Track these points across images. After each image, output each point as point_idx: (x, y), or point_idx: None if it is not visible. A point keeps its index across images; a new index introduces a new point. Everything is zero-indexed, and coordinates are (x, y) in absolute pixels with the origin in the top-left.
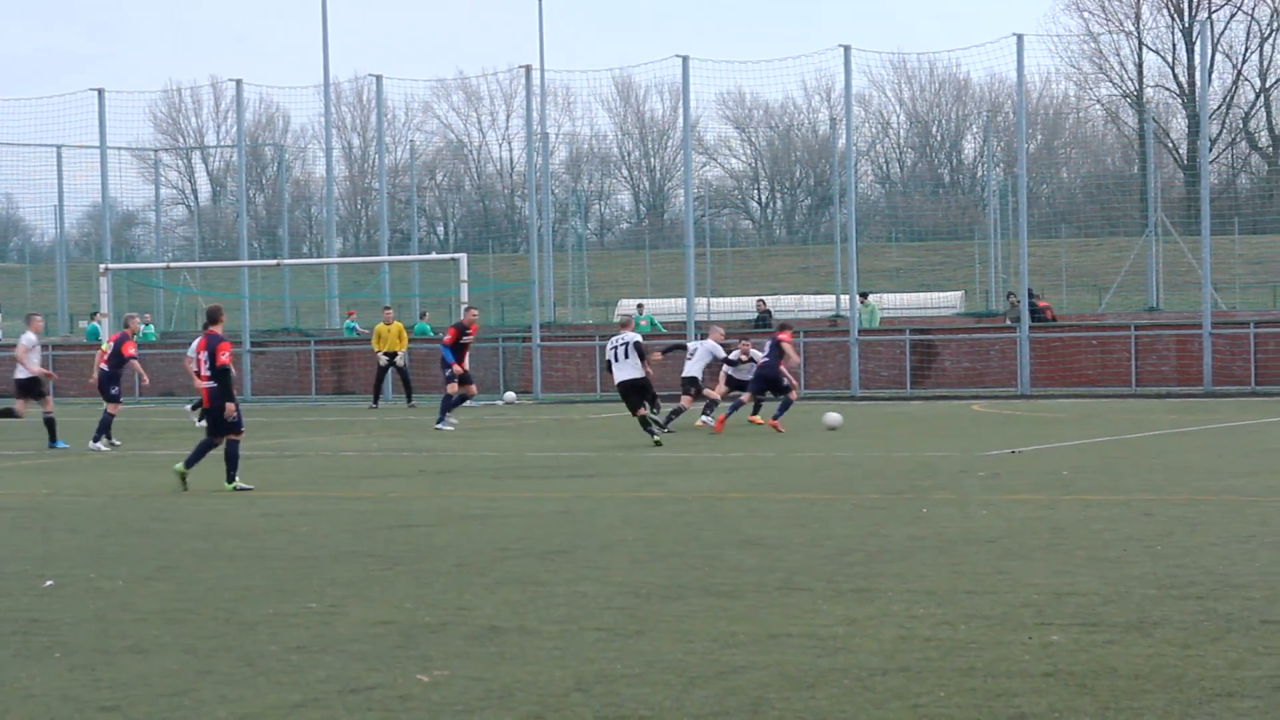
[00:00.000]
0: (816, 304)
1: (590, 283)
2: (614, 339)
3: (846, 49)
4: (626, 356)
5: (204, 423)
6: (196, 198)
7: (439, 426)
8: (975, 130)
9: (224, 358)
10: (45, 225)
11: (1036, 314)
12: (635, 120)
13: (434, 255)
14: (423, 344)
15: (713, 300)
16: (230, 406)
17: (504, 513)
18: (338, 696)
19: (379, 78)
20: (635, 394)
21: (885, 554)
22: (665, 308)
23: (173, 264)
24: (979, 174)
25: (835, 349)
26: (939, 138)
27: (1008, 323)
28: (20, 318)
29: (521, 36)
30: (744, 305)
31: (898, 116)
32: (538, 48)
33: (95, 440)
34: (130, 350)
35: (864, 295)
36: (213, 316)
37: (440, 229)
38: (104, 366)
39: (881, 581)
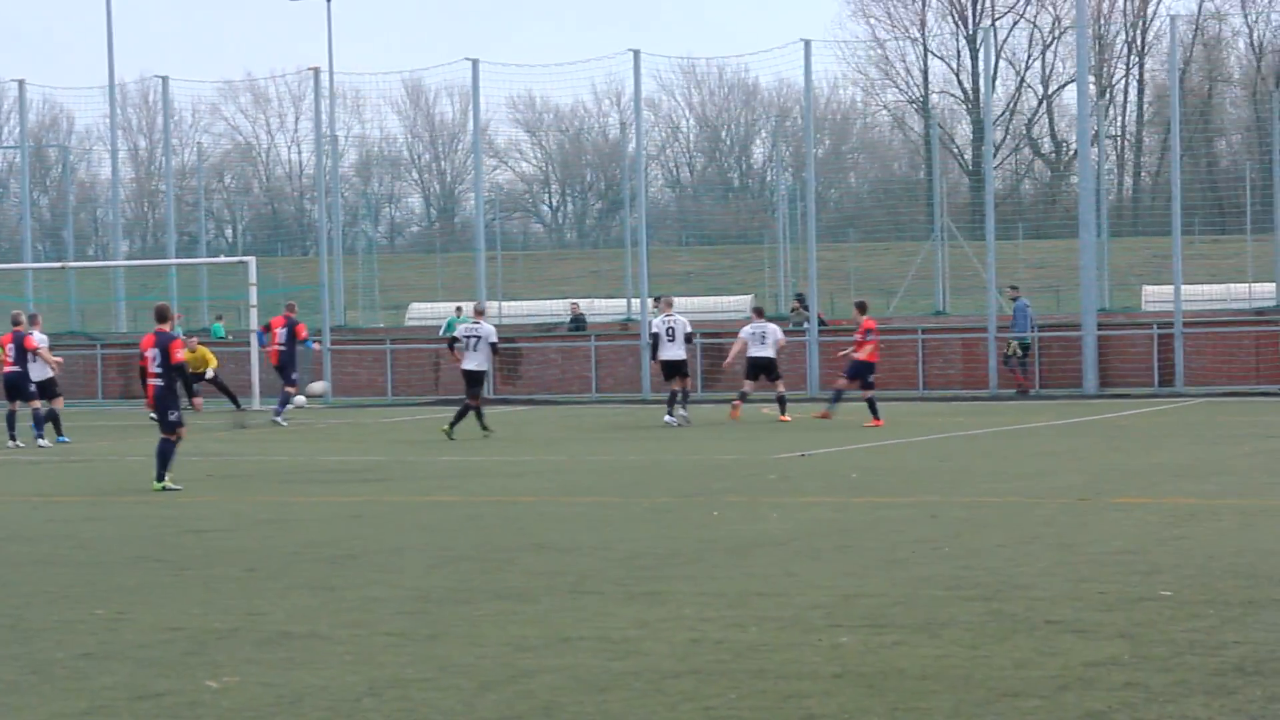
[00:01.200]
0: (608, 308)
1: (381, 286)
2: (659, 319)
3: (636, 53)
4: (671, 339)
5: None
6: None
7: (277, 419)
8: (764, 135)
9: (179, 355)
10: None
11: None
12: (426, 123)
13: (222, 258)
14: (225, 347)
15: (507, 304)
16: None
17: (295, 517)
18: (126, 704)
19: (165, 79)
20: (676, 372)
21: (677, 557)
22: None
23: None
24: (768, 178)
25: (626, 352)
26: (728, 142)
27: (792, 326)
28: None
29: (310, 39)
30: (540, 309)
31: (687, 121)
32: (326, 50)
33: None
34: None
35: (656, 299)
36: (162, 314)
37: (229, 231)
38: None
39: (673, 584)
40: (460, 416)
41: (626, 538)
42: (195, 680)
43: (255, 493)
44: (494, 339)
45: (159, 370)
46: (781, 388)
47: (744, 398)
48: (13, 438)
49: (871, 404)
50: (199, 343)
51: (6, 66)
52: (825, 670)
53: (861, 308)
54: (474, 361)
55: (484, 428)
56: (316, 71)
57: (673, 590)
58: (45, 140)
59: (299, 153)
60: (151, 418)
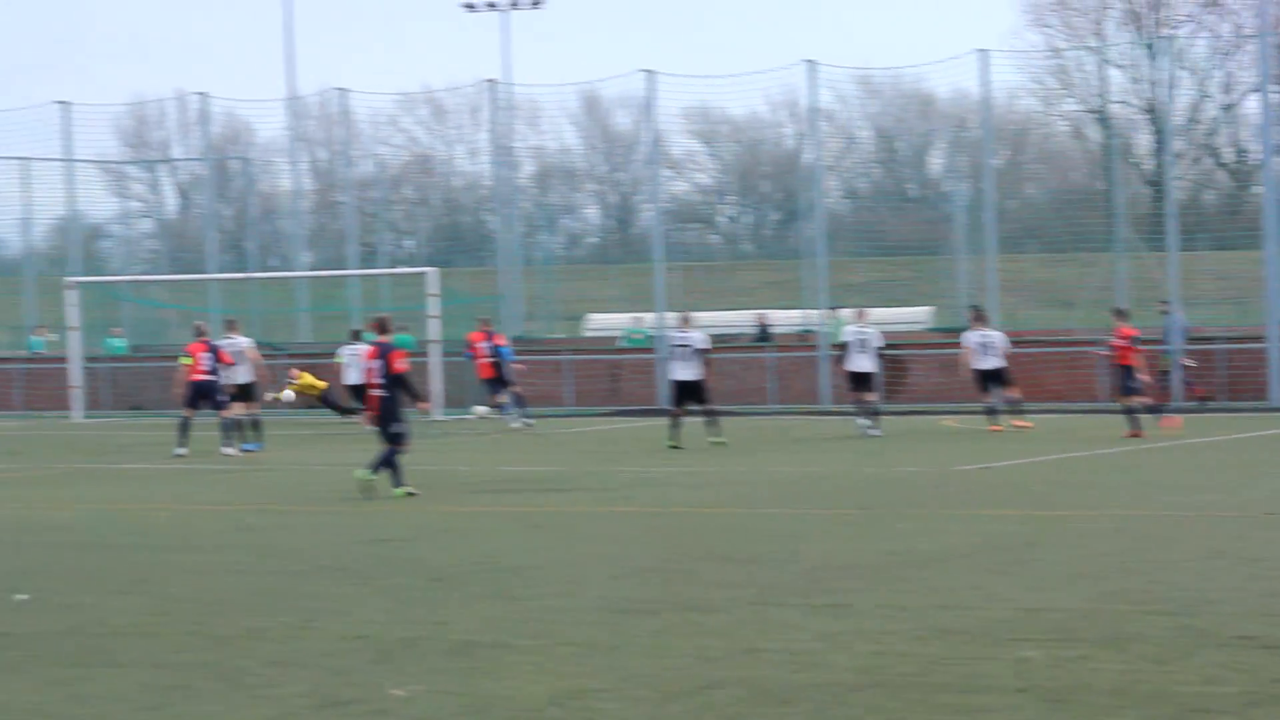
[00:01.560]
0: (785, 319)
1: (558, 297)
2: (852, 329)
3: (811, 64)
4: (862, 350)
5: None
6: (163, 210)
7: (527, 421)
8: (941, 145)
9: (400, 365)
10: (11, 238)
11: None
12: (602, 134)
13: (403, 269)
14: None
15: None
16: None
17: (477, 527)
18: (313, 712)
19: (344, 91)
20: (864, 384)
21: (860, 569)
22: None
23: (140, 277)
24: (945, 189)
25: (805, 363)
26: (905, 152)
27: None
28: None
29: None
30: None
31: (863, 131)
32: (503, 62)
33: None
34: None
35: (835, 309)
36: (383, 325)
37: (408, 242)
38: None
39: (856, 597)
40: (714, 425)
41: (809, 549)
42: (381, 689)
43: (437, 502)
44: (705, 346)
45: (382, 381)
46: (1009, 394)
47: (1010, 408)
48: (184, 444)
49: (1133, 411)
50: (301, 369)
51: (190, 80)
52: (1009, 685)
53: (1121, 315)
54: (687, 371)
55: (673, 441)
56: (493, 83)
57: (856, 603)
58: (228, 152)
59: (477, 164)
60: (375, 430)
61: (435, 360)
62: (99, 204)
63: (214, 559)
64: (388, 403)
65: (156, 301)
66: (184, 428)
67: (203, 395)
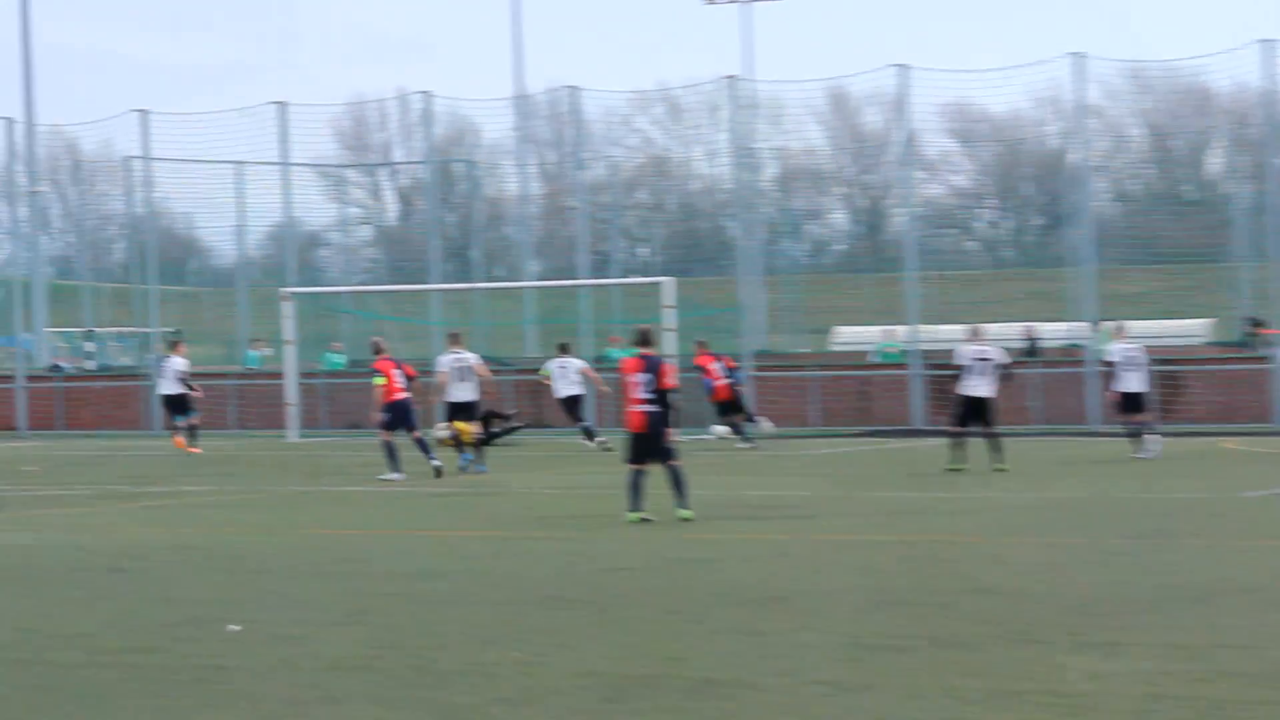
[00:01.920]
0: (1050, 332)
1: (804, 308)
2: (1118, 347)
3: (1078, 57)
4: (1134, 368)
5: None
6: (384, 217)
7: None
8: (1220, 144)
9: (670, 380)
10: (225, 247)
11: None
12: (850, 134)
13: (637, 278)
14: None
15: (942, 327)
16: (670, 431)
17: (718, 556)
18: None
19: (575, 90)
20: (1135, 405)
21: (1132, 604)
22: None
23: (359, 287)
24: (1225, 191)
25: (1071, 380)
26: (1182, 151)
27: (1257, 352)
28: (205, 343)
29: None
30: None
31: (1135, 129)
32: (744, 58)
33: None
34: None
35: (1102, 321)
36: (646, 338)
37: (642, 250)
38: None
39: (1128, 634)
40: (997, 449)
41: (1076, 581)
42: None
43: (674, 529)
44: (1006, 361)
45: (650, 396)
46: None
47: None
48: (396, 469)
49: None
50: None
51: (412, 78)
52: None
53: None
54: (982, 387)
55: (955, 463)
56: (733, 80)
57: (1128, 640)
58: (451, 154)
59: (716, 166)
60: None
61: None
62: (316, 210)
63: (436, 588)
64: (656, 419)
65: (376, 313)
66: (392, 452)
67: (404, 415)
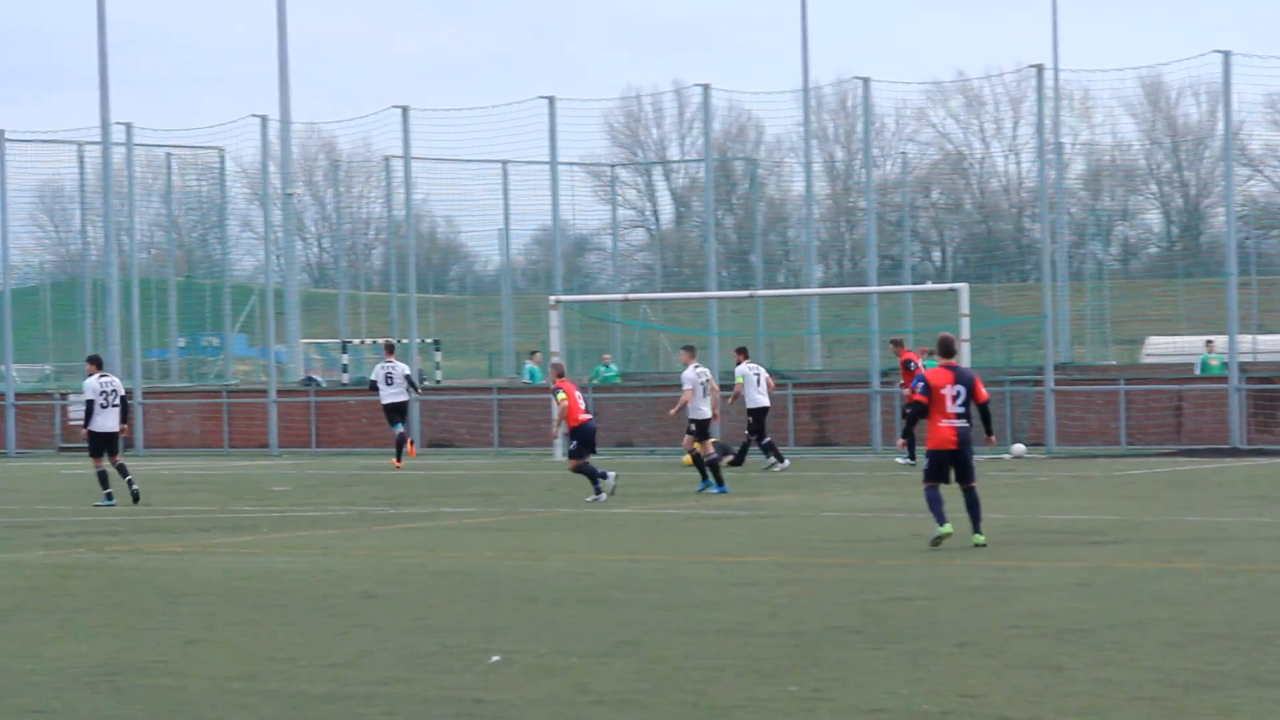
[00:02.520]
0: None
1: (1112, 317)
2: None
3: None
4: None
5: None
6: (658, 219)
7: None
8: None
9: (985, 392)
10: (489, 252)
11: None
12: (1166, 127)
13: (930, 285)
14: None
15: (1263, 338)
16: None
17: (1013, 585)
18: None
19: (866, 81)
20: None
21: None
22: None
23: (631, 295)
24: None
25: None
26: None
27: None
28: (467, 356)
29: (1031, 32)
30: None
31: None
32: (1051, 45)
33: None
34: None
35: None
36: (949, 347)
37: (936, 254)
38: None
39: None
40: None
41: None
42: None
43: (965, 556)
44: None
45: (962, 410)
46: None
47: None
48: (599, 491)
49: None
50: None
51: (689, 69)
52: None
53: None
54: None
55: None
56: (1039, 69)
57: None
58: (731, 152)
59: (1017, 163)
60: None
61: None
62: (585, 212)
63: (710, 617)
64: (968, 435)
65: (648, 322)
66: (592, 474)
67: (586, 439)
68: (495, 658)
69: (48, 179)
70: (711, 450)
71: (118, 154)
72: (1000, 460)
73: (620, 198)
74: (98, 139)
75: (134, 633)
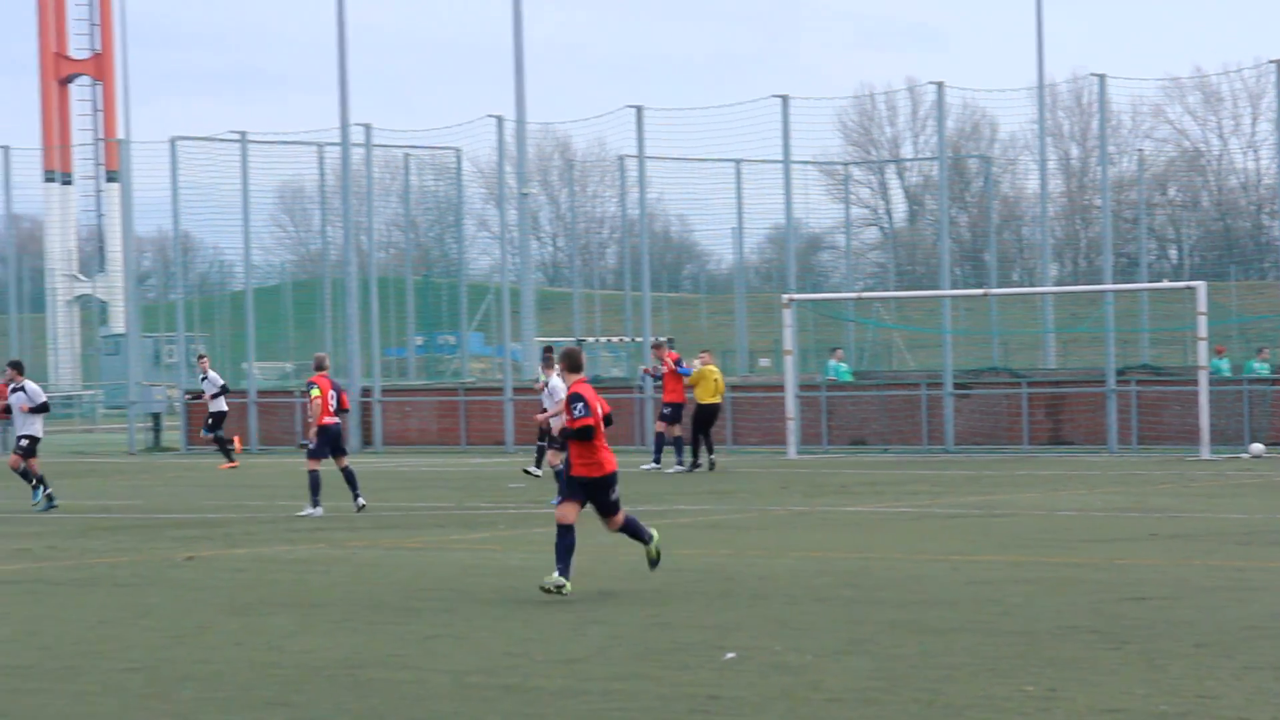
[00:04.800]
0: None
1: None
2: None
3: None
4: None
5: None
6: (891, 218)
7: None
8: None
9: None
10: (722, 250)
11: None
12: None
13: (1166, 283)
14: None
15: None
16: None
17: (1252, 585)
18: None
19: (1102, 78)
20: None
21: None
22: None
23: (864, 293)
24: None
25: None
26: None
27: None
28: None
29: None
30: None
31: None
32: None
33: None
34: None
35: None
36: (573, 360)
37: (1172, 252)
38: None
39: None
40: None
41: None
42: None
43: (1205, 555)
44: None
45: None
46: None
47: None
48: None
49: None
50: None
51: (923, 68)
52: None
53: None
54: None
55: None
56: (1279, 65)
57: None
58: (965, 150)
59: (1256, 159)
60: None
61: (1204, 390)
62: (818, 211)
63: (944, 616)
64: None
65: (881, 321)
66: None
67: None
68: (730, 655)
69: (288, 180)
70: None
71: (357, 155)
72: (1238, 459)
73: (853, 196)
74: (337, 140)
75: (373, 627)
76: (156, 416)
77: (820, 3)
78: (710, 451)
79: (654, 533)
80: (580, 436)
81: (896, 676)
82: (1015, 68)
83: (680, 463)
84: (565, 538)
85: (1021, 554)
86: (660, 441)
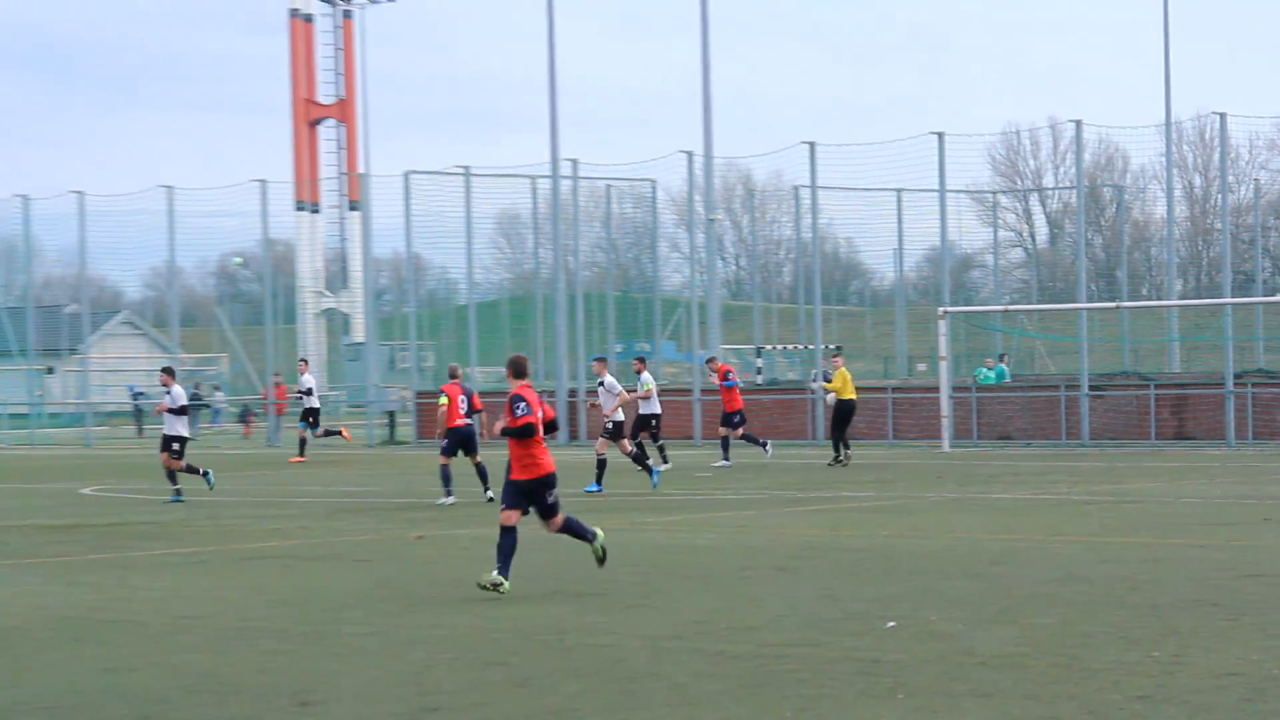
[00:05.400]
0: None
1: None
2: None
3: None
4: None
5: None
6: (1034, 240)
7: None
8: None
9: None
10: (884, 269)
11: None
12: None
13: (1279, 297)
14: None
15: None
16: None
17: None
18: None
19: (1222, 116)
20: None
21: None
22: None
23: (1010, 306)
24: None
25: None
26: None
27: None
28: (864, 359)
29: None
30: None
31: None
32: None
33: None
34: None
35: None
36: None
37: None
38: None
39: None
40: None
41: None
42: None
43: None
44: None
45: None
46: None
47: None
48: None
49: None
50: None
51: (1063, 107)
52: None
53: None
54: None
55: None
56: None
57: None
58: (1100, 180)
59: None
60: None
61: None
62: (970, 234)
63: (1081, 590)
64: None
65: (1024, 330)
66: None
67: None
68: (891, 623)
69: (505, 208)
70: (629, 448)
71: (565, 186)
72: None
73: (1000, 221)
74: (548, 173)
75: (579, 598)
76: (391, 414)
77: (971, 48)
78: (846, 448)
79: (597, 531)
80: (522, 434)
81: (1039, 643)
82: (1145, 105)
83: (727, 459)
84: (508, 538)
85: (1149, 536)
86: (726, 442)
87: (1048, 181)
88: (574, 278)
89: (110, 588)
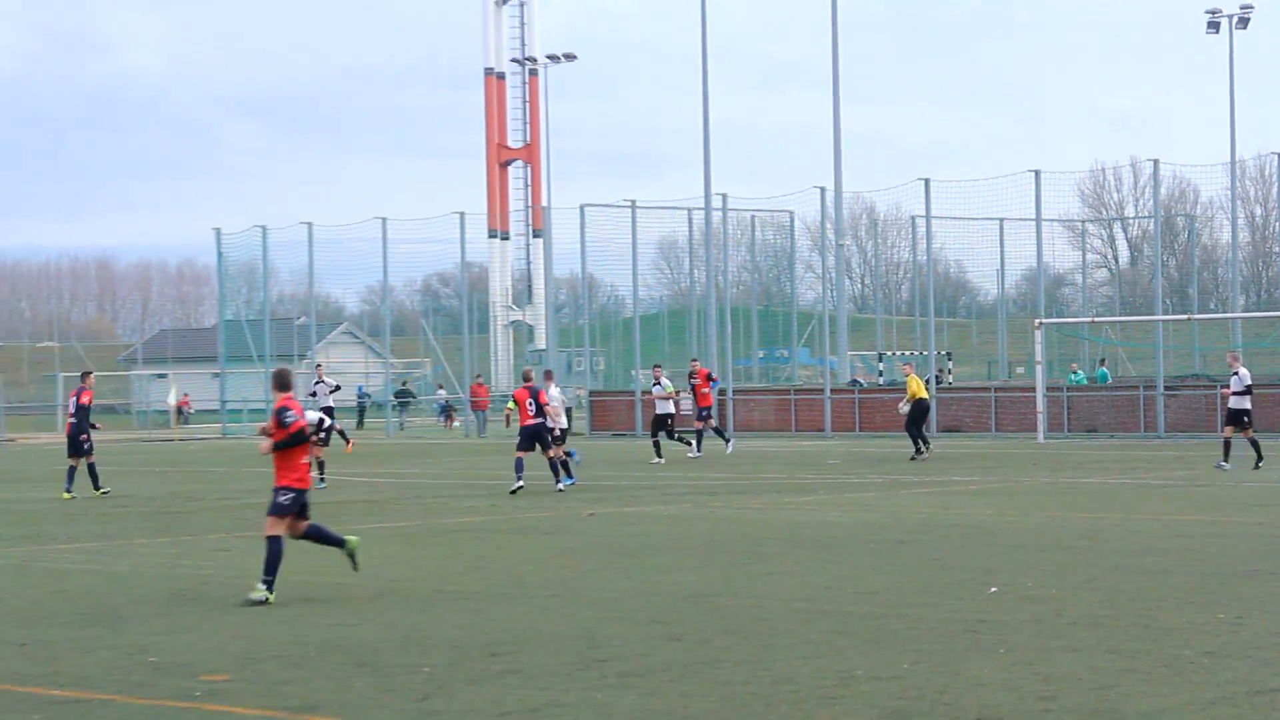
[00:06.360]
0: None
1: None
2: None
3: None
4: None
5: None
6: (1117, 262)
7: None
8: None
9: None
10: (988, 286)
11: None
12: None
13: None
14: None
15: None
16: None
17: None
18: (1245, 697)
19: (1277, 155)
20: None
21: None
22: None
23: (1096, 319)
24: None
25: None
26: None
27: None
28: (970, 363)
29: None
30: None
31: None
32: None
33: None
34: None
35: None
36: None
37: None
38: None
39: None
40: None
41: None
42: None
43: None
44: None
45: None
46: None
47: None
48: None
49: None
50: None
51: (1143, 147)
52: None
53: None
54: None
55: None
56: None
57: None
58: (1174, 210)
59: None
60: None
61: None
62: (1062, 257)
63: (1156, 561)
64: None
65: (1108, 339)
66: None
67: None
68: (993, 589)
69: (665, 235)
70: (559, 454)
71: (716, 217)
72: None
73: (1088, 246)
74: (701, 206)
75: (726, 566)
76: (569, 411)
77: (1063, 94)
78: (926, 443)
79: (348, 538)
80: (295, 441)
81: (1120, 605)
82: (1213, 146)
83: (698, 451)
84: (275, 546)
85: (1216, 515)
86: (699, 434)
87: (1129, 212)
88: (723, 294)
89: (332, 554)
